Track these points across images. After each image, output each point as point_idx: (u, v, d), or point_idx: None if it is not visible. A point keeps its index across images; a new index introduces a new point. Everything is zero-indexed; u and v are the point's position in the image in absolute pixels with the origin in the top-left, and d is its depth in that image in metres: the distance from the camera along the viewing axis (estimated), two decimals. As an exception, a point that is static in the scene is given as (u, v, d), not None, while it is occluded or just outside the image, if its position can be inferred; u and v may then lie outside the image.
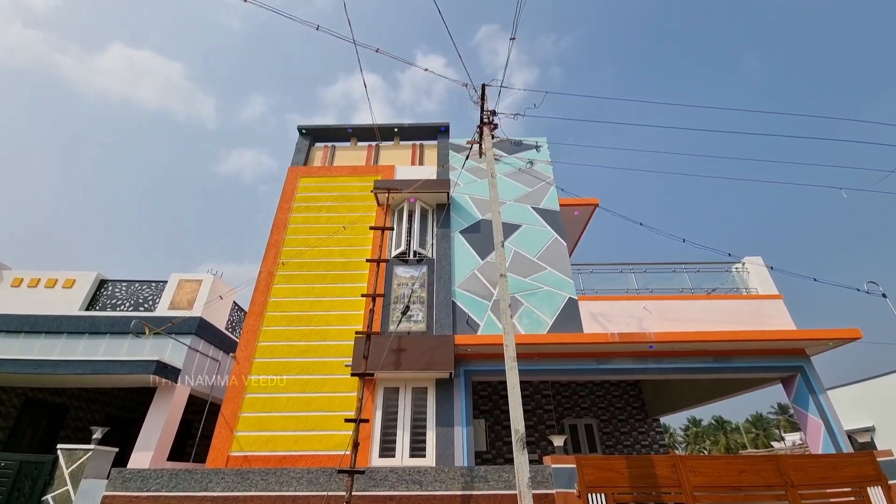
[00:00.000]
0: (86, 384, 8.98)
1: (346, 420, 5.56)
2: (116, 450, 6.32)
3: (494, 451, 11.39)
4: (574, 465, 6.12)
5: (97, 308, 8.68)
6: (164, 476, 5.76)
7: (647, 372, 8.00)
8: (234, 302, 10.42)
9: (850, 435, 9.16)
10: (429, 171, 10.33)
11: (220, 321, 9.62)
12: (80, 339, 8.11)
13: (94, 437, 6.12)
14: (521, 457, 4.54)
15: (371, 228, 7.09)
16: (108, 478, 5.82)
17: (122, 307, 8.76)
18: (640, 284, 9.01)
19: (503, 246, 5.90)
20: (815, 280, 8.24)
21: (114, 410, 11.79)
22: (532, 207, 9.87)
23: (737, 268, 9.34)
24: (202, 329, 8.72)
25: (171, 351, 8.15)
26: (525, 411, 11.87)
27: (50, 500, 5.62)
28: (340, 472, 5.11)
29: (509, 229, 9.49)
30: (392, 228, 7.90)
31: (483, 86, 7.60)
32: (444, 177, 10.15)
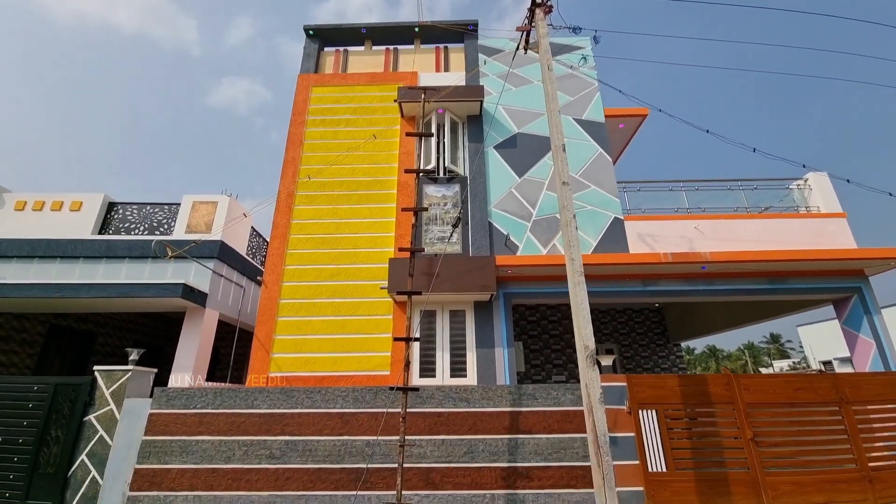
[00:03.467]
0: (112, 309, 8.80)
1: (396, 339, 5.27)
2: (156, 370, 6.17)
3: (533, 371, 11.49)
4: (625, 384, 5.93)
5: (110, 232, 8.18)
6: (209, 394, 5.64)
7: (696, 294, 7.62)
8: (252, 227, 9.89)
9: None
10: (456, 78, 9.13)
11: (240, 246, 9.16)
12: (97, 264, 7.72)
13: (131, 358, 5.94)
14: (591, 373, 4.22)
15: (408, 135, 6.23)
16: (150, 397, 5.72)
17: (136, 231, 8.25)
18: (690, 203, 8.31)
19: (564, 150, 5.12)
20: (891, 195, 7.47)
21: (141, 337, 11.88)
22: (574, 119, 8.84)
23: (798, 184, 8.54)
24: (224, 253, 8.29)
25: (195, 276, 7.78)
26: (552, 335, 11.87)
27: (93, 420, 5.54)
28: (394, 389, 4.92)
29: (546, 144, 8.57)
30: (432, 134, 7.01)
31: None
32: (475, 81, 8.98)
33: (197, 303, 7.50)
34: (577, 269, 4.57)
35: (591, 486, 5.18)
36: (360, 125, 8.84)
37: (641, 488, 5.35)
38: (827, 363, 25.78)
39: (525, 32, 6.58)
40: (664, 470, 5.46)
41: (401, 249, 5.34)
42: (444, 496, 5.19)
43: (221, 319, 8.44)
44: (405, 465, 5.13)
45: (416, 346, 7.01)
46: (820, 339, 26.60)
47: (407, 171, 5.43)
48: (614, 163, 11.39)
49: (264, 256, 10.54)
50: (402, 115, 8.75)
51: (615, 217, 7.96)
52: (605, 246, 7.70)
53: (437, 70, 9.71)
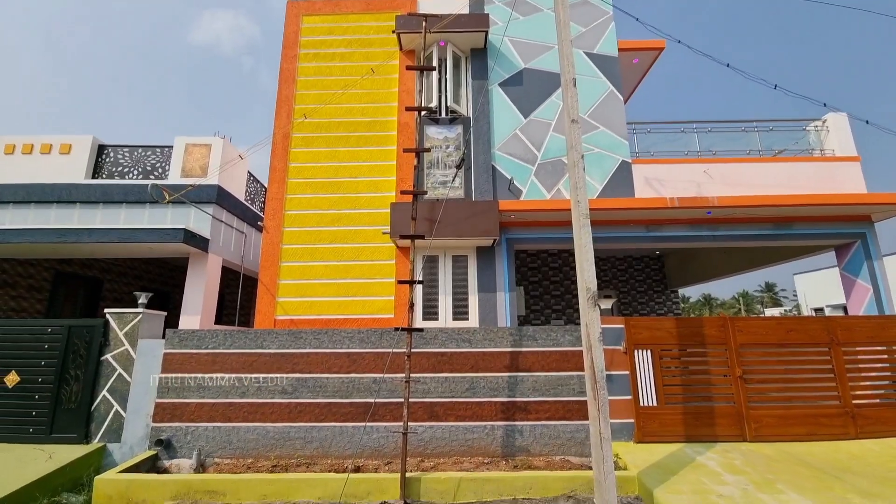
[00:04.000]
0: (115, 254, 8.83)
1: (400, 282, 5.31)
2: (165, 313, 6.31)
3: (532, 316, 11.83)
4: (622, 326, 6.10)
5: (103, 176, 7.98)
6: (219, 335, 5.82)
7: (700, 240, 7.59)
8: (248, 172, 9.65)
9: None
10: (460, 6, 8.39)
11: (237, 192, 9.00)
12: (95, 209, 7.62)
13: (140, 301, 6.04)
14: (591, 313, 4.30)
15: (408, 69, 5.85)
16: (162, 338, 5.90)
17: (130, 175, 8.05)
18: (702, 146, 8.01)
19: (574, 85, 4.81)
20: (913, 136, 7.16)
21: (147, 284, 12.06)
22: (585, 53, 8.25)
23: (816, 125, 8.18)
24: (222, 198, 8.15)
25: (195, 221, 7.71)
26: (553, 282, 12.05)
27: (111, 360, 5.76)
28: (399, 330, 5.06)
29: (555, 81, 8.09)
30: (434, 68, 6.58)
31: None
32: (479, 9, 8.27)
33: (199, 248, 7.50)
34: (582, 212, 4.49)
35: (585, 419, 5.51)
36: (356, 59, 8.27)
37: (632, 420, 5.69)
38: (818, 310, 26.42)
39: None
40: (655, 404, 5.77)
41: (403, 192, 5.21)
42: (447, 427, 5.54)
43: (225, 265, 8.51)
44: (410, 400, 5.41)
45: (419, 289, 7.12)
46: (815, 287, 27.02)
47: (408, 109, 5.13)
48: (625, 102, 10.86)
49: (263, 202, 10.39)
50: (401, 48, 8.15)
51: (623, 160, 7.71)
52: (610, 190, 7.54)
53: (439, -4, 8.88)
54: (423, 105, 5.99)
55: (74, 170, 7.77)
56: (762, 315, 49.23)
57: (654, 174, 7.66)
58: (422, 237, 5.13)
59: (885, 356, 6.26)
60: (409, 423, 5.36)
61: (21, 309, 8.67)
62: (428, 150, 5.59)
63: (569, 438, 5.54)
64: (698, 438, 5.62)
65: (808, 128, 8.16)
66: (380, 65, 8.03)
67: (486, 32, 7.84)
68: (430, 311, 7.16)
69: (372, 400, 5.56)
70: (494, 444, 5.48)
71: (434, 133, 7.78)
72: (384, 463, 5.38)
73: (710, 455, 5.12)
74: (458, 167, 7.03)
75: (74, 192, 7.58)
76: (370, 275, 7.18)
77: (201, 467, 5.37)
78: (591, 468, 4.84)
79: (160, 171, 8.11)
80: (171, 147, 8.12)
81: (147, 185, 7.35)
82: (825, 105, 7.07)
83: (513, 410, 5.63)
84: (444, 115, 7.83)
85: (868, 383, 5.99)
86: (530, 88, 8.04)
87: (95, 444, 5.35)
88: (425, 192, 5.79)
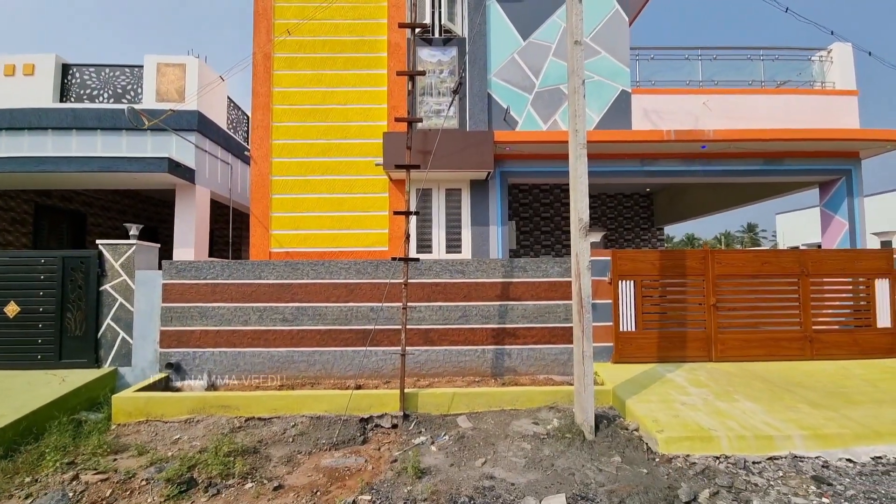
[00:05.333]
0: (96, 185, 8.53)
1: (396, 213, 5.33)
2: (158, 245, 6.31)
3: (522, 251, 12.12)
4: (609, 258, 6.35)
5: (72, 99, 7.42)
6: (217, 266, 5.90)
7: (692, 175, 7.64)
8: (228, 98, 9.06)
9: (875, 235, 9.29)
10: None
11: (219, 119, 8.52)
12: (69, 136, 7.20)
13: (132, 233, 5.99)
14: (582, 243, 4.48)
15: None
16: (159, 270, 5.96)
17: (99, 98, 7.50)
18: (704, 76, 7.73)
19: (580, 1, 4.48)
20: (916, 69, 7.01)
21: (132, 219, 11.79)
22: (592, -35, 7.53)
23: (821, 56, 7.89)
24: (204, 125, 7.74)
25: (177, 150, 7.38)
26: (543, 217, 12.19)
27: (110, 289, 5.85)
28: (396, 259, 5.19)
29: (558, -1, 7.47)
30: (427, -19, 5.98)
31: None
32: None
33: (185, 179, 7.28)
34: (580, 142, 4.45)
35: (569, 343, 5.95)
36: (340, -32, 7.43)
37: (611, 344, 6.17)
38: (793, 248, 27.57)
39: None
40: (633, 329, 6.23)
41: (398, 119, 5.00)
42: (441, 350, 5.95)
43: (213, 199, 8.33)
44: (407, 327, 5.73)
45: (413, 221, 7.17)
46: (794, 228, 27.87)
47: (401, 26, 4.71)
48: (630, 24, 10.19)
49: (246, 131, 9.91)
50: (390, -44, 7.32)
51: (623, 90, 7.44)
52: (608, 122, 7.37)
53: None
54: (416, 21, 5.48)
55: (41, 93, 7.19)
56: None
57: (653, 105, 7.46)
58: (417, 167, 5.06)
59: (850, 287, 6.74)
60: (406, 348, 5.74)
61: (7, 242, 8.53)
62: (422, 73, 5.28)
63: (553, 360, 6.02)
64: (670, 360, 6.16)
65: (812, 58, 7.88)
66: (366, -26, 7.25)
67: (485, -63, 7.03)
68: (424, 245, 7.30)
69: (370, 327, 5.87)
70: (485, 366, 5.94)
71: (427, 56, 7.30)
72: (383, 382, 5.84)
73: (679, 373, 5.67)
74: (455, 92, 6.71)
75: (45, 117, 7.09)
76: (363, 208, 7.16)
77: (212, 387, 5.76)
78: (572, 385, 5.35)
79: (132, 93, 7.56)
80: (142, 67, 7.49)
81: (122, 109, 6.88)
82: (832, 33, 6.76)
83: (502, 336, 6.03)
84: (437, 34, 7.28)
85: (830, 311, 6.50)
86: (531, 4, 7.43)
87: (107, 367, 5.64)
88: (420, 120, 5.61)
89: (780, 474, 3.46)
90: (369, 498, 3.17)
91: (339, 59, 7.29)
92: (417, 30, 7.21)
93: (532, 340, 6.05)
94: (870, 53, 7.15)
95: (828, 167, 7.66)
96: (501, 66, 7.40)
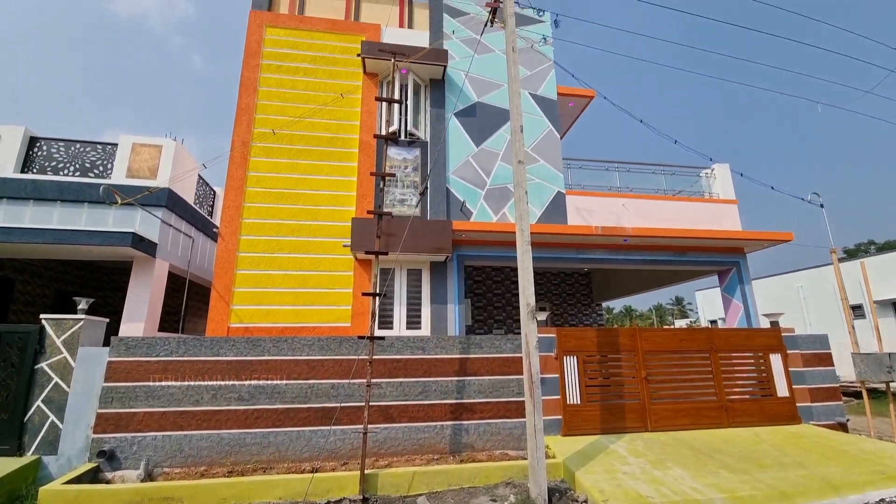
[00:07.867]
0: (36, 255, 8.12)
1: (364, 294, 5.74)
2: (108, 320, 6.10)
3: (477, 326, 12.66)
4: (554, 335, 7.08)
5: (34, 171, 7.40)
6: (172, 343, 5.78)
7: (618, 262, 8.93)
8: (199, 175, 9.41)
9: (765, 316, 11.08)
10: (421, 38, 9.12)
11: (187, 195, 8.77)
12: (24, 206, 7.05)
13: (80, 307, 5.80)
14: (531, 325, 5.13)
15: (377, 100, 6.34)
16: (104, 346, 5.72)
17: (65, 171, 7.55)
18: (621, 183, 9.47)
19: (522, 131, 5.70)
20: (772, 188, 9.20)
21: (64, 286, 11.02)
22: (530, 94, 9.39)
23: (706, 172, 10.05)
24: (173, 202, 7.95)
25: (142, 224, 7.45)
26: (495, 294, 13.04)
27: (46, 368, 5.47)
28: (362, 338, 5.47)
29: (504, 116, 9.09)
30: (400, 101, 7.17)
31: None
32: (439, 45, 9.06)
33: (147, 253, 7.27)
34: (525, 239, 5.33)
35: (522, 417, 6.32)
36: (320, 76, 8.61)
37: (560, 417, 6.62)
38: (713, 322, 30.85)
39: (493, 9, 6.84)
40: (579, 402, 6.78)
41: (369, 212, 5.68)
42: (401, 428, 6.04)
43: (170, 271, 8.24)
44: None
45: (374, 301, 7.55)
46: (711, 302, 31.52)
47: (376, 137, 5.64)
48: (561, 139, 12.30)
49: (211, 206, 10.15)
50: (365, 71, 8.65)
51: (559, 191, 8.87)
52: (548, 217, 8.63)
53: (402, 25, 9.55)
54: (385, 131, 6.53)
55: (2, 162, 7.13)
56: (671, 326, 55.76)
57: (584, 205, 8.91)
58: (385, 254, 5.64)
59: (752, 361, 7.93)
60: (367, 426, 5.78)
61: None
62: (392, 175, 6.15)
63: (508, 434, 6.31)
64: (613, 430, 6.70)
65: (700, 174, 10.01)
66: (346, 87, 8.45)
67: (445, 67, 8.63)
68: (386, 321, 7.63)
69: (331, 405, 5.89)
70: (443, 443, 6.08)
71: (394, 154, 8.35)
72: (341, 464, 5.73)
73: (620, 443, 6.18)
74: (422, 194, 7.66)
75: (2, 186, 6.97)
76: (329, 285, 7.49)
77: (149, 478, 5.29)
78: (526, 458, 5.63)
79: (101, 169, 7.71)
80: (115, 145, 7.77)
81: (87, 183, 6.98)
82: (711, 160, 8.81)
83: (460, 411, 6.28)
84: (403, 136, 8.44)
85: (740, 382, 7.53)
86: (482, 120, 8.96)
87: (30, 456, 5.06)
88: (390, 214, 6.31)
89: (706, 532, 3.93)
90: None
91: (313, 152, 8.11)
92: (386, 132, 8.35)
93: (488, 415, 6.34)
94: (741, 174, 9.29)
95: (721, 259, 9.35)
96: (458, 166, 8.61)
